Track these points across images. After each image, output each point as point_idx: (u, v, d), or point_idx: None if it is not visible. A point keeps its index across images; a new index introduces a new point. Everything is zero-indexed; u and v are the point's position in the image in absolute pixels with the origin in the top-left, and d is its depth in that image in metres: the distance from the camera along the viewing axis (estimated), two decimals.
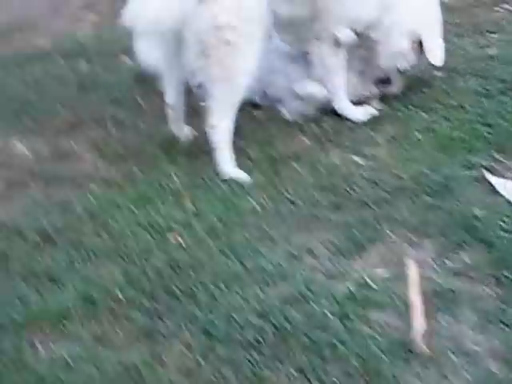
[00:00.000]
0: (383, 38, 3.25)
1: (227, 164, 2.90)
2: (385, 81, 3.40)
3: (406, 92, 3.42)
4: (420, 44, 3.24)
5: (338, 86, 3.29)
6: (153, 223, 2.60)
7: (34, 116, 3.37)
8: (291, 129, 3.19)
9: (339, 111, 3.27)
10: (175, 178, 2.87)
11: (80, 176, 2.95)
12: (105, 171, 2.98)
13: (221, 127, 2.90)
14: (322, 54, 3.23)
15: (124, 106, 3.42)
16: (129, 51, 3.73)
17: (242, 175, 2.87)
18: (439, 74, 3.59)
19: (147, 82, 3.38)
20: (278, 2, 3.03)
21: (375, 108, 3.30)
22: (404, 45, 3.26)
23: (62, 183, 2.90)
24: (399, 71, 3.34)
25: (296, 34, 3.31)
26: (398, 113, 3.25)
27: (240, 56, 2.86)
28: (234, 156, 2.93)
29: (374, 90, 3.39)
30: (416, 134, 3.08)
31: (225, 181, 2.84)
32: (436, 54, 3.23)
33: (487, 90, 3.40)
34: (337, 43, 3.20)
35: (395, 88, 3.42)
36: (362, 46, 3.30)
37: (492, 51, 3.80)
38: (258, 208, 2.66)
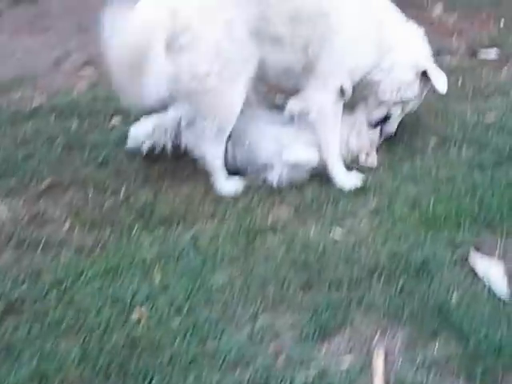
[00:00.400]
0: (385, 76, 3.22)
1: (222, 183, 3.16)
2: (383, 120, 3.36)
3: (396, 162, 3.34)
4: (424, 73, 3.24)
5: (332, 145, 3.22)
6: (118, 298, 2.54)
7: (19, 177, 3.35)
8: (272, 197, 3.11)
9: (331, 175, 3.19)
10: (148, 248, 2.81)
11: (53, 242, 2.90)
12: (79, 238, 2.92)
13: (211, 154, 3.15)
14: (319, 108, 3.15)
15: (108, 168, 3.38)
16: (121, 111, 3.77)
17: (237, 186, 3.13)
18: (433, 141, 3.51)
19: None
20: (268, 50, 3.03)
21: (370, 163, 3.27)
22: (410, 77, 3.24)
23: (35, 249, 2.85)
24: (402, 103, 3.32)
25: (290, 85, 3.26)
26: (384, 183, 3.16)
27: (226, 97, 3.03)
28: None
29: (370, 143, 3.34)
30: (400, 207, 2.98)
31: (198, 252, 2.77)
32: (442, 81, 3.23)
33: (481, 161, 3.31)
34: (340, 94, 3.14)
35: (393, 127, 3.39)
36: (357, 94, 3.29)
37: (490, 118, 3.71)
38: (227, 285, 2.57)
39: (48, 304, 2.54)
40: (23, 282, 2.66)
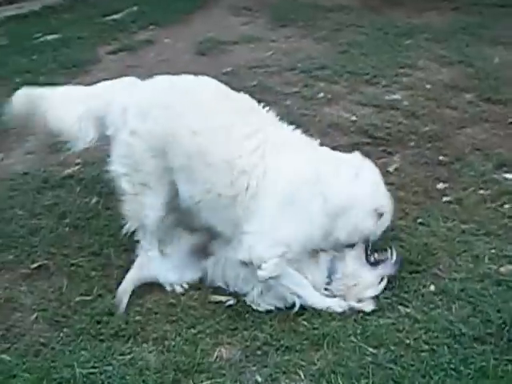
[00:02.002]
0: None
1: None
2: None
3: None
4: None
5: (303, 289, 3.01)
6: None
7: (17, 252, 3.49)
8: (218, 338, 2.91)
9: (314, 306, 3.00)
10: (90, 363, 2.77)
11: (12, 333, 2.98)
12: (35, 335, 2.96)
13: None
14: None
15: (96, 260, 3.43)
16: None
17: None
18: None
19: None
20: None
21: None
22: (370, 223, 3.04)
23: None
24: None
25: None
26: None
27: (140, 201, 3.16)
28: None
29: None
30: None
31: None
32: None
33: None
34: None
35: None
36: None
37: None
38: None
39: None
40: None
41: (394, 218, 3.24)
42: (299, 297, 2.99)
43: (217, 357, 2.78)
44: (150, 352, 2.82)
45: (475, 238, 3.44)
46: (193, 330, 2.92)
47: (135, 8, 8.42)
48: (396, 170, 4.21)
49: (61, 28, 7.99)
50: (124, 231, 3.28)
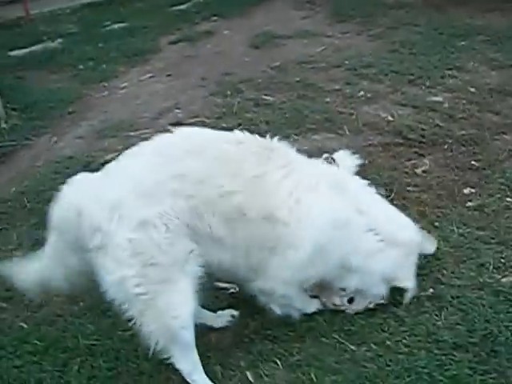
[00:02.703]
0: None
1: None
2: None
3: None
4: None
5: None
6: None
7: None
8: None
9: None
10: (93, 336, 3.00)
11: (34, 306, 3.22)
12: (56, 307, 3.20)
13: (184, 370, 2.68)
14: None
15: None
16: None
17: None
18: None
19: None
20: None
21: None
22: (382, 291, 2.98)
23: None
24: None
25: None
26: None
27: (163, 301, 2.51)
28: None
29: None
30: None
31: None
32: None
33: None
34: None
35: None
36: None
37: None
38: None
39: None
40: None
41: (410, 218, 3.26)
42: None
43: (208, 340, 2.94)
44: None
45: (486, 246, 3.40)
46: None
47: None
48: (424, 172, 4.18)
49: (129, 17, 8.38)
50: (150, 355, 2.63)
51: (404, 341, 2.80)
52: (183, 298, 2.53)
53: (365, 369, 2.68)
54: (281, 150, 2.77)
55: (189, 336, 2.58)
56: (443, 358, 2.69)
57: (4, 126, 5.36)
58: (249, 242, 2.63)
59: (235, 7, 8.03)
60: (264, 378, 2.73)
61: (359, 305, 3.01)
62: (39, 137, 5.22)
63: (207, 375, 2.69)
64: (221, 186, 2.56)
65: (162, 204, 2.49)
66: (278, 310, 2.93)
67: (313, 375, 2.68)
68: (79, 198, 2.52)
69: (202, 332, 2.94)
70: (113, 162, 2.65)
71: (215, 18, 7.84)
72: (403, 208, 3.75)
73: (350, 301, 3.01)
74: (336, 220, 2.73)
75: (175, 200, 2.50)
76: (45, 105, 5.74)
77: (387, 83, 5.36)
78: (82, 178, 2.63)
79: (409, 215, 3.18)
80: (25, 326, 3.15)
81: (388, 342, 2.80)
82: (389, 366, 2.68)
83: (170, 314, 2.51)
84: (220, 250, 2.62)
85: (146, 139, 2.72)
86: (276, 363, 2.78)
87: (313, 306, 3.03)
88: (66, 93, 6.07)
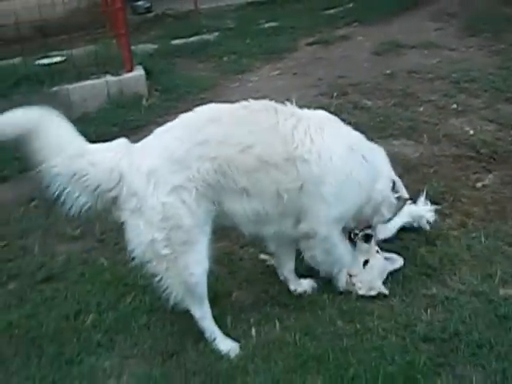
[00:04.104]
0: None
1: (217, 343, 3.16)
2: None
3: None
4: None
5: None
6: None
7: None
8: None
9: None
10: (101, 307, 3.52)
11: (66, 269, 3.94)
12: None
13: (197, 315, 3.15)
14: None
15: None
16: None
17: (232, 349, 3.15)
18: None
19: None
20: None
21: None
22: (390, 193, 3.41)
23: None
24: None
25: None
26: None
27: (183, 261, 2.95)
28: None
29: None
30: None
31: None
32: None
33: None
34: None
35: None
36: None
37: None
38: None
39: None
40: None
41: (447, 228, 3.66)
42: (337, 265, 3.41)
43: (229, 296, 3.56)
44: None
45: (503, 259, 3.59)
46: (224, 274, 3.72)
47: (351, 5, 9.12)
48: (484, 186, 4.37)
49: (281, 17, 9.07)
50: (170, 304, 3.13)
51: (384, 325, 3.20)
52: (199, 257, 2.99)
53: (340, 341, 3.13)
54: (283, 106, 3.21)
55: (202, 290, 3.07)
56: (409, 345, 3.05)
57: (145, 103, 6.34)
58: (277, 185, 3.01)
59: (376, 15, 8.36)
60: (262, 335, 3.26)
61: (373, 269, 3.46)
62: (169, 116, 6.12)
63: (218, 324, 3.26)
64: (240, 143, 2.96)
65: (190, 169, 2.88)
66: (319, 260, 3.36)
67: (297, 339, 3.19)
68: (122, 163, 2.95)
69: (231, 289, 3.59)
70: (150, 136, 3.12)
71: (356, 23, 8.27)
72: (447, 216, 4.05)
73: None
74: (351, 143, 3.23)
75: (202, 163, 2.89)
76: (183, 89, 6.63)
77: (483, 99, 5.49)
78: (125, 144, 3.08)
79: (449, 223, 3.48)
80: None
81: (370, 324, 3.22)
82: (361, 342, 3.11)
83: (188, 271, 2.97)
84: (246, 200, 3.01)
85: None
86: (275, 325, 3.32)
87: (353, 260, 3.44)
88: (205, 80, 6.93)
